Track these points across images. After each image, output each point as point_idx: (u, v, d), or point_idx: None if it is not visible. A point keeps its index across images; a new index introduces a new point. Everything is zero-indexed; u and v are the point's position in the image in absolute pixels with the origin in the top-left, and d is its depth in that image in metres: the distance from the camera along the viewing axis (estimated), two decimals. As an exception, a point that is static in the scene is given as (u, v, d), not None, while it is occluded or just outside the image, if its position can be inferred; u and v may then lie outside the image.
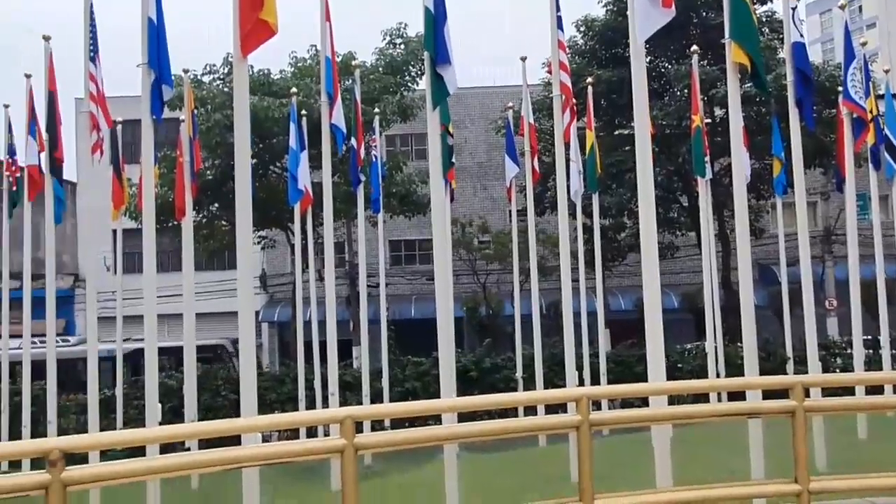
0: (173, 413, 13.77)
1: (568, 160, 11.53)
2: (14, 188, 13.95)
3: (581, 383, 11.41)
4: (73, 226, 30.31)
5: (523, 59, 12.64)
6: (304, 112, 14.53)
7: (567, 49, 10.06)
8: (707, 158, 14.21)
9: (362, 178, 13.40)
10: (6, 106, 14.26)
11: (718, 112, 20.03)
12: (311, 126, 15.05)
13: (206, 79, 19.96)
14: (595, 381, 13.69)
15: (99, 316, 9.95)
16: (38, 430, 12.87)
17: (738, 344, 14.36)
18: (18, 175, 13.72)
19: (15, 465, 10.22)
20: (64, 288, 26.50)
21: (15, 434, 13.39)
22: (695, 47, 14.40)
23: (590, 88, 13.61)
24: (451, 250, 6.87)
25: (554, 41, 9.07)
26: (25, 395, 12.84)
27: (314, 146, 17.43)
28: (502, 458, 10.35)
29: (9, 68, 41.90)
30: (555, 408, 7.51)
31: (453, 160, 11.36)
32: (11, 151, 13.98)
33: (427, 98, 6.79)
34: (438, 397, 16.66)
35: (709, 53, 20.13)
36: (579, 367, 10.84)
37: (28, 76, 12.23)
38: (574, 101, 10.19)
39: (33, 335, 12.49)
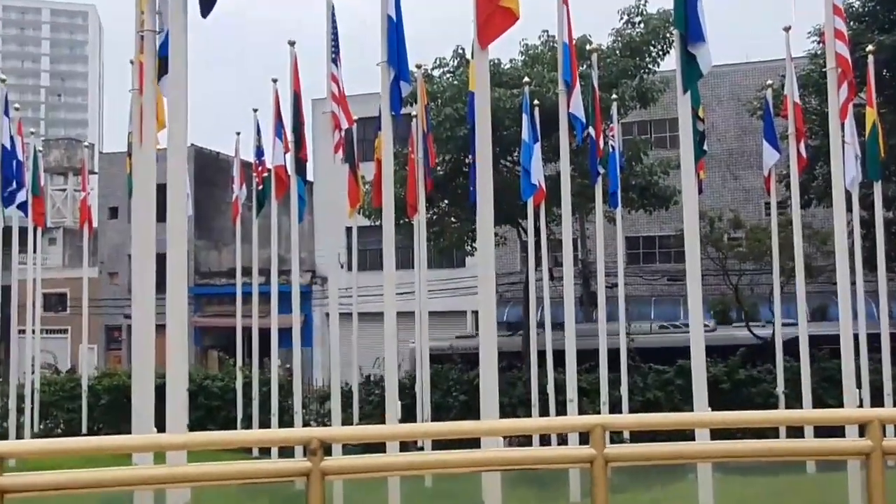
0: (406, 411, 14.63)
1: (843, 143, 10.56)
2: (260, 187, 15.63)
3: (861, 404, 10.57)
4: (310, 223, 33.43)
5: (786, 28, 11.87)
6: (536, 102, 14.74)
7: (843, 14, 9.24)
8: None
9: (601, 170, 13.30)
10: (255, 110, 16.06)
11: None
12: (544, 116, 15.23)
13: (436, 73, 20.83)
14: (877, 401, 12.49)
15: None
16: (284, 420, 14.39)
17: None
18: (265, 175, 15.42)
19: (265, 452, 11.48)
20: (303, 284, 29.25)
21: (264, 423, 15.02)
22: None
23: (870, 58, 12.43)
24: (699, 248, 6.61)
25: (828, 6, 8.42)
26: (274, 385, 14.39)
27: (546, 137, 17.77)
28: (762, 483, 9.86)
29: (257, 73, 46.66)
30: (826, 430, 6.93)
31: (704, 147, 10.88)
32: (259, 153, 15.66)
33: (677, 80, 6.61)
34: (682, 409, 16.18)
35: None
36: (858, 385, 10.04)
37: (275, 81, 13.49)
38: (851, 73, 9.35)
39: (280, 329, 13.92)
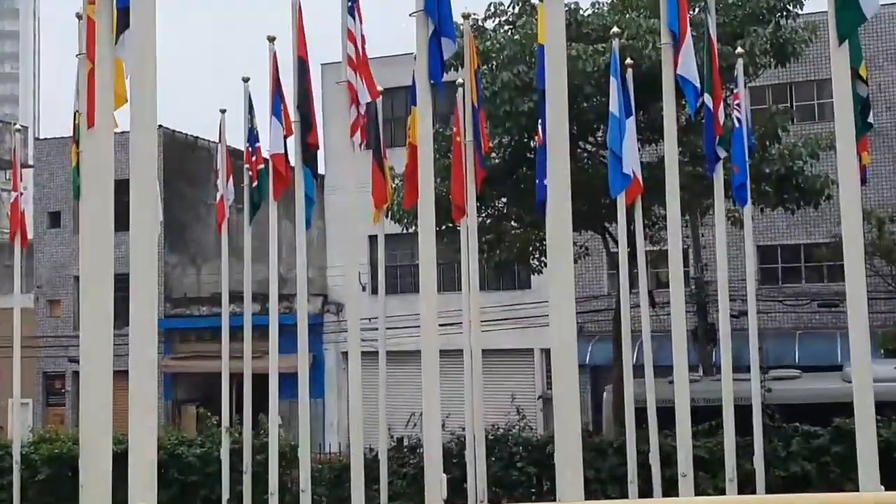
0: (453, 487, 14.63)
1: None
2: (255, 183, 15.88)
3: None
4: (321, 231, 33.78)
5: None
6: (629, 61, 14.70)
7: None
8: None
9: (721, 153, 13.21)
10: (246, 80, 16.19)
11: None
12: (640, 80, 15.16)
13: (489, 25, 20.81)
14: None
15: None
16: (286, 501, 14.34)
17: None
18: (260, 167, 15.60)
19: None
20: (312, 313, 29.38)
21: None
22: None
23: None
24: (863, 261, 6.51)
25: None
26: (272, 452, 14.49)
27: (643, 110, 17.66)
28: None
29: (249, 29, 47.44)
30: None
31: (869, 120, 10.65)
32: (252, 138, 15.84)
33: (830, 27, 6.59)
34: (841, 486, 15.67)
35: None
36: None
37: (272, 39, 13.43)
38: None
39: (282, 373, 14.03)
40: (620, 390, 16.22)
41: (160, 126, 31.57)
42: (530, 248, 22.35)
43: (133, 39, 5.62)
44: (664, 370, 13.18)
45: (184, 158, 35.49)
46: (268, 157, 14.05)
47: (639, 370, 15.28)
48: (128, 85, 6.26)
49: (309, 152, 12.22)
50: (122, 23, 5.87)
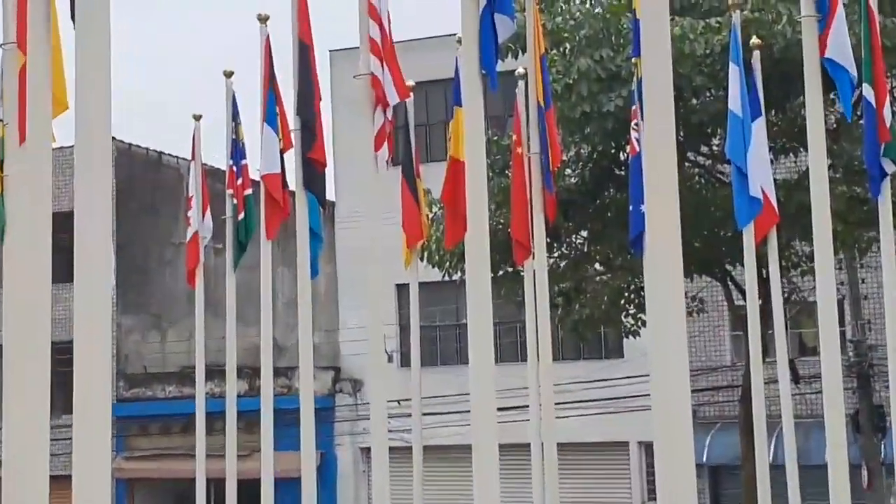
0: None
1: None
2: (241, 215, 15.78)
3: None
4: (331, 280, 33.73)
5: None
6: (755, 41, 14.61)
7: None
8: None
9: (889, 167, 13.04)
10: (228, 74, 16.08)
11: None
12: (772, 68, 15.16)
13: None
14: None
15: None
16: None
17: None
18: (249, 193, 15.64)
19: None
20: (319, 394, 29.38)
21: None
22: None
23: None
24: None
25: None
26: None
27: (775, 108, 17.48)
28: None
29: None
30: None
31: None
32: (238, 153, 15.85)
33: None
34: None
35: None
36: None
37: (264, 20, 13.51)
38: None
39: (278, 478, 14.00)
40: (753, 499, 16.00)
41: (112, 138, 31.71)
42: (622, 302, 22.26)
43: (80, 25, 5.66)
44: (813, 472, 13.01)
45: (143, 182, 35.69)
46: (258, 178, 13.97)
47: (778, 471, 15.15)
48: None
49: (314, 172, 12.13)
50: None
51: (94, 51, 5.63)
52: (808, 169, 11.04)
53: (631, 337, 24.06)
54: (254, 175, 15.02)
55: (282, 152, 13.18)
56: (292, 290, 12.87)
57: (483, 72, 7.96)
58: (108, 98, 5.63)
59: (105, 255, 5.57)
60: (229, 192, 16.11)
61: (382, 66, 11.17)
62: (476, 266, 7.95)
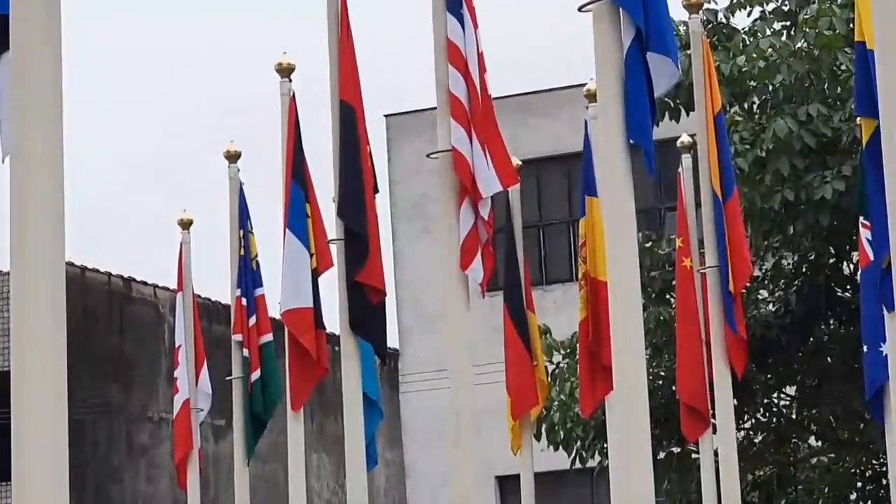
0: None
1: None
2: (256, 372, 14.19)
3: None
4: (396, 469, 31.00)
5: None
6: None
7: None
8: None
9: None
10: (232, 158, 14.46)
11: None
12: None
13: (739, 19, 18.70)
14: None
15: None
16: None
17: None
18: (267, 339, 14.43)
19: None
20: None
21: None
22: None
23: None
24: None
25: None
26: None
27: None
28: None
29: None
30: None
31: None
32: (249, 277, 14.40)
33: None
34: None
35: None
36: None
37: (285, 72, 12.70)
38: None
39: None
40: None
41: (70, 263, 27.16)
42: (853, 496, 18.84)
43: (17, 73, 5.00)
44: None
45: (105, 324, 31.74)
46: (279, 316, 12.71)
47: None
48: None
49: (366, 305, 10.69)
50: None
51: (42, 119, 4.80)
52: None
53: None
54: (273, 312, 13.84)
55: (315, 275, 12.21)
56: (334, 487, 10.82)
57: (631, 142, 6.99)
58: (62, 188, 4.81)
59: (59, 436, 4.72)
60: (237, 338, 14.72)
61: (471, 137, 9.82)
62: (627, 444, 7.06)
